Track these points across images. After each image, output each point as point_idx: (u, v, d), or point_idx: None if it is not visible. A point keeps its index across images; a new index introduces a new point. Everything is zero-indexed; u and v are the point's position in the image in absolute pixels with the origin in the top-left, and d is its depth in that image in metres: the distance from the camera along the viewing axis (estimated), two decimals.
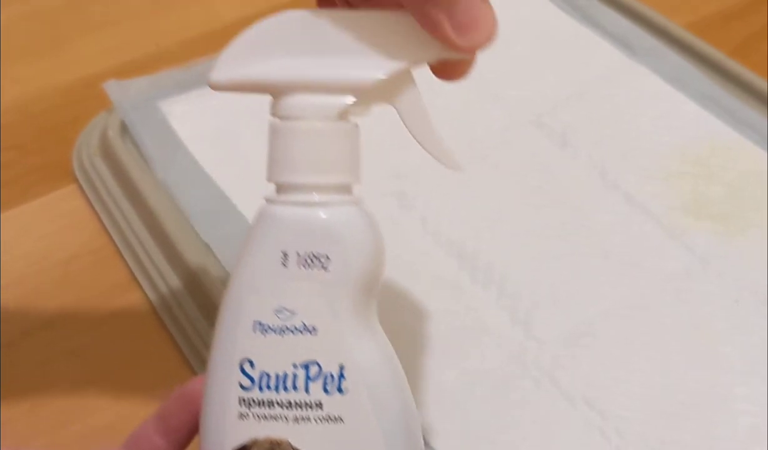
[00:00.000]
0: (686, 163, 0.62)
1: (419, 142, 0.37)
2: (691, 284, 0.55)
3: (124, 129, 0.65)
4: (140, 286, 0.58)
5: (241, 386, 0.35)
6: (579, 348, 0.52)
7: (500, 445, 0.48)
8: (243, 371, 0.35)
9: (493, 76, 0.68)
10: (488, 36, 0.35)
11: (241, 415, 0.35)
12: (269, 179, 0.36)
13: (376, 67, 0.35)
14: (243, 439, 0.35)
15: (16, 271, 0.59)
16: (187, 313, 0.55)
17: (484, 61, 0.72)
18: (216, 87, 0.36)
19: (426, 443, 0.48)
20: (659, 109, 0.66)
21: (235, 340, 0.35)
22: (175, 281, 0.57)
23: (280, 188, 0.36)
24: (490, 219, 0.59)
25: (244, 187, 0.61)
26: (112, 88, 0.66)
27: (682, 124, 0.65)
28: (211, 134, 0.64)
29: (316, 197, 0.35)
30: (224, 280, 0.55)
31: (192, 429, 0.40)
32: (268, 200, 0.36)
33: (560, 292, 0.55)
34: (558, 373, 0.51)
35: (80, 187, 0.64)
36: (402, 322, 0.54)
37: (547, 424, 0.49)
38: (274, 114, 0.36)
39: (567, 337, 0.53)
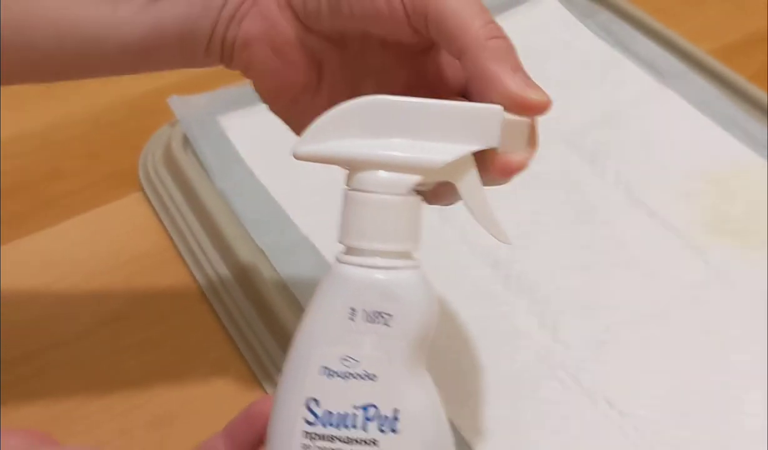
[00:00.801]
0: (708, 182, 0.64)
1: (475, 218, 0.40)
2: (707, 295, 0.58)
3: (186, 141, 0.68)
4: (199, 286, 0.61)
5: (306, 421, 0.39)
6: (602, 352, 0.55)
7: (527, 439, 0.51)
8: (309, 408, 0.39)
9: None
10: (545, 99, 0.39)
11: (305, 446, 0.39)
12: (341, 241, 0.39)
13: (443, 152, 0.38)
14: None
15: (88, 269, 0.62)
16: (242, 312, 0.58)
17: None
18: (300, 158, 0.39)
19: (459, 436, 0.51)
20: (685, 131, 0.68)
21: (304, 380, 0.39)
22: (231, 282, 0.60)
23: (351, 250, 0.39)
24: (523, 230, 0.62)
25: (297, 198, 0.64)
26: (176, 103, 0.69)
27: (705, 145, 0.67)
28: (266, 148, 0.65)
29: (381, 262, 0.39)
30: (276, 283, 0.58)
31: (255, 445, 0.43)
32: (339, 260, 0.39)
33: (586, 299, 0.58)
34: (582, 375, 0.54)
35: (145, 194, 0.67)
36: (440, 326, 0.57)
37: (571, 421, 0.52)
38: (349, 185, 0.39)
39: (591, 341, 0.55)
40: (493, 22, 0.39)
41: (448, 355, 0.55)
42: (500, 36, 0.40)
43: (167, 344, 0.58)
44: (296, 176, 0.63)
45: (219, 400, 0.54)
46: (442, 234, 0.62)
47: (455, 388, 0.53)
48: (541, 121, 0.70)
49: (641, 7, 0.78)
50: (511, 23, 0.76)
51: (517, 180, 0.66)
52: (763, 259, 0.60)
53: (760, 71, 0.74)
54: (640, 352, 0.55)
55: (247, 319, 0.58)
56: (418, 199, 0.39)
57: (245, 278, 0.59)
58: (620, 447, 0.51)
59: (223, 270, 0.61)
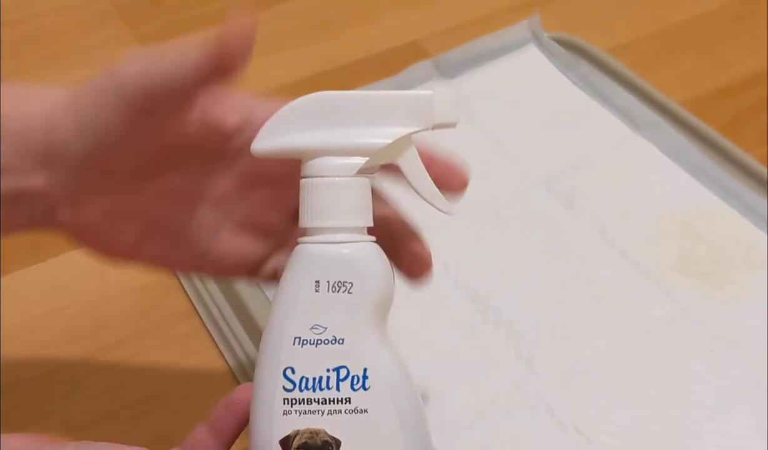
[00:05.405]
0: (675, 225, 0.67)
1: (417, 191, 0.45)
2: (672, 331, 0.61)
3: None
4: (198, 315, 0.64)
5: (285, 389, 0.42)
6: (573, 382, 0.58)
7: None
8: (286, 377, 0.42)
9: (511, 141, 0.74)
10: None
11: (285, 412, 0.42)
12: (302, 225, 0.43)
13: (384, 135, 0.43)
14: (288, 431, 0.41)
15: (94, 297, 0.65)
16: (237, 337, 0.61)
17: (504, 127, 0.77)
18: (257, 154, 0.44)
19: None
20: (655, 178, 0.71)
21: (279, 352, 0.42)
22: (228, 311, 0.63)
23: (310, 231, 0.43)
24: (502, 268, 0.65)
25: None
26: None
27: (674, 191, 0.70)
28: None
29: (339, 237, 0.42)
30: (267, 308, 0.60)
31: (237, 430, 0.46)
32: (301, 241, 0.43)
33: (559, 333, 0.61)
34: (553, 403, 0.57)
35: None
36: (423, 355, 0.59)
37: (541, 445, 0.55)
38: (304, 175, 0.43)
39: (563, 372, 0.58)
40: None
41: (430, 382, 0.58)
42: None
43: (169, 368, 0.60)
44: None
45: None
46: None
47: (436, 412, 0.56)
48: (522, 164, 0.74)
49: (620, 58, 0.81)
50: (497, 72, 0.81)
51: (498, 220, 0.69)
52: (724, 298, 0.63)
53: (729, 122, 0.77)
54: (608, 383, 0.58)
55: (242, 346, 0.61)
56: (366, 180, 0.44)
57: (241, 306, 0.62)
58: None
59: (221, 299, 0.64)
